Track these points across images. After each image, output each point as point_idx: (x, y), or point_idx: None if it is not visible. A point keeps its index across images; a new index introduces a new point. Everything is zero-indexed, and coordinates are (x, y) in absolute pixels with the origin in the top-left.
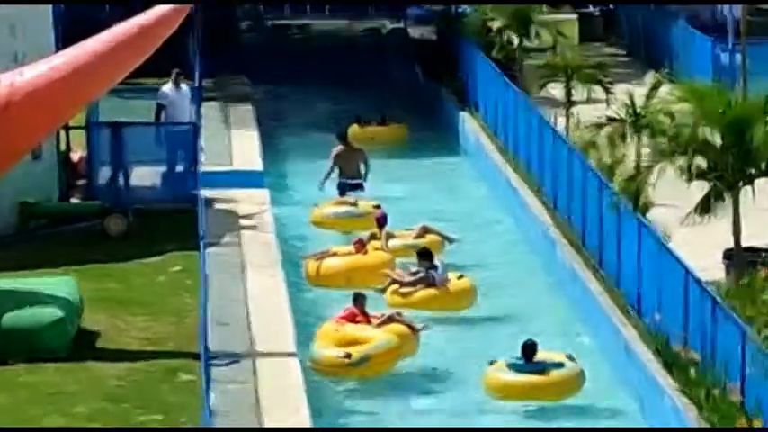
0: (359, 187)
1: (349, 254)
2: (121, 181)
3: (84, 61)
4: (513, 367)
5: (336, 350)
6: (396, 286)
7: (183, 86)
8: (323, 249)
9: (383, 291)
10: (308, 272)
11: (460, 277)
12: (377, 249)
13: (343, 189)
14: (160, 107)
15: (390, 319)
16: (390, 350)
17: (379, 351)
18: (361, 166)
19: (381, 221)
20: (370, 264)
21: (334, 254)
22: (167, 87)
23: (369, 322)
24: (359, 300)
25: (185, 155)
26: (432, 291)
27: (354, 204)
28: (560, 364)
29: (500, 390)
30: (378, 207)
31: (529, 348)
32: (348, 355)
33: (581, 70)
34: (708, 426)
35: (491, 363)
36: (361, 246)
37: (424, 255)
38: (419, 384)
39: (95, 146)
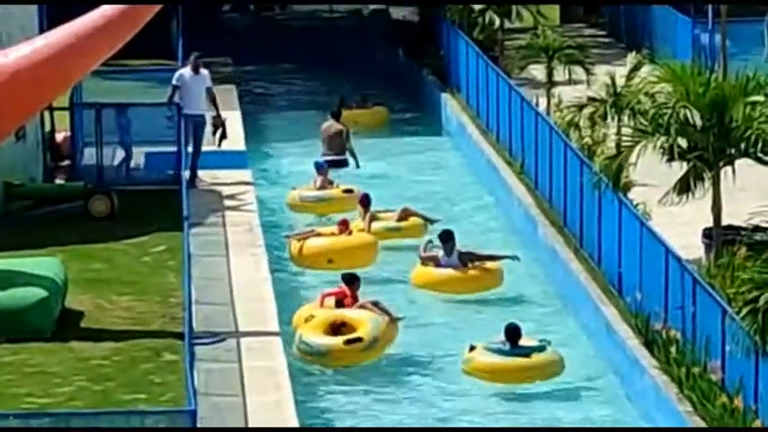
0: (343, 164)
1: (332, 234)
2: (115, 161)
3: (67, 43)
4: (499, 351)
5: (342, 337)
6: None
7: (203, 71)
8: (307, 229)
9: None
10: (291, 252)
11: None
12: (361, 231)
13: (321, 165)
14: (174, 88)
15: (363, 308)
16: (387, 329)
17: (381, 331)
18: (346, 145)
19: (365, 203)
20: (353, 245)
21: (318, 234)
22: (185, 71)
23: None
24: (355, 283)
25: (168, 136)
26: (450, 272)
27: (326, 188)
28: (542, 348)
29: (486, 373)
30: (349, 191)
31: (513, 332)
32: (359, 340)
33: (562, 51)
34: (691, 408)
35: (471, 348)
36: (344, 227)
37: (442, 237)
38: (399, 366)
39: (79, 126)
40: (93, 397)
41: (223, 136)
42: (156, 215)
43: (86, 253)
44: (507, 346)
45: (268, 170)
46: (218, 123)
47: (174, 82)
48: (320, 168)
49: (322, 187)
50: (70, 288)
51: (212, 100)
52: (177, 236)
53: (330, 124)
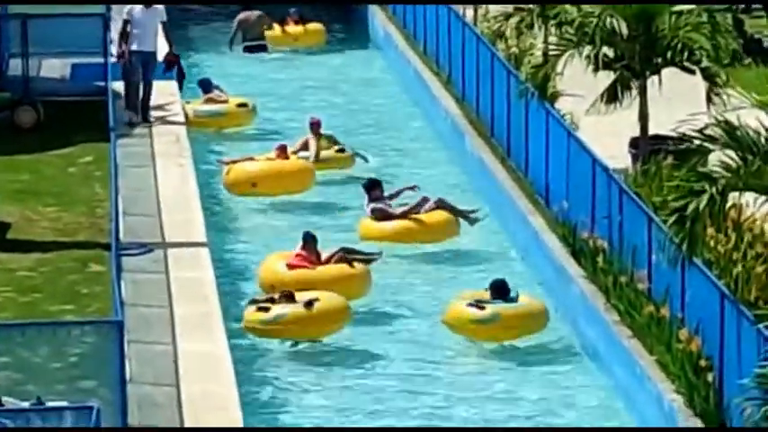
0: (264, 49)
1: (267, 159)
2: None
3: None
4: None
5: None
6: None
7: (158, 6)
8: (243, 155)
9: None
10: (223, 177)
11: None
12: (303, 158)
13: (208, 83)
14: (126, 22)
15: (342, 260)
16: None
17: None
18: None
19: (314, 127)
20: (280, 170)
21: (251, 158)
22: (136, 6)
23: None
24: (309, 241)
25: (95, 47)
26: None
27: (223, 102)
28: (517, 298)
29: (492, 334)
30: (244, 105)
31: (501, 288)
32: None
33: None
34: (618, 318)
35: (475, 303)
36: (282, 152)
37: (374, 185)
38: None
39: (4, 38)
40: (20, 308)
41: (180, 74)
42: (82, 126)
43: (13, 164)
44: (501, 302)
45: (193, 79)
46: (173, 60)
47: (124, 16)
48: (207, 87)
49: (225, 101)
50: None
51: (166, 35)
52: (104, 147)
53: (249, 13)
